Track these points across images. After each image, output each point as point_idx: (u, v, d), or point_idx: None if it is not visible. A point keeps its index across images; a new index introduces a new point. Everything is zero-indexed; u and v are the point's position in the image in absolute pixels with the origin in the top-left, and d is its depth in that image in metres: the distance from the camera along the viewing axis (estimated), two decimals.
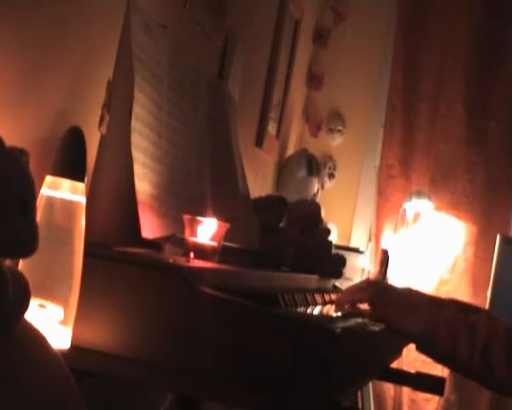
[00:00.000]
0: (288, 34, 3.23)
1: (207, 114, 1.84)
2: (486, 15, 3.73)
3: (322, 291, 1.80)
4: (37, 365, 0.95)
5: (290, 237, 1.94)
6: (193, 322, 1.22)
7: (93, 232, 1.26)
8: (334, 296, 1.80)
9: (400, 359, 2.72)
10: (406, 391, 3.60)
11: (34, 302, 1.10)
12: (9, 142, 0.93)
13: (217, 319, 1.21)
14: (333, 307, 1.65)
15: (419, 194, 3.60)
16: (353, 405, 3.15)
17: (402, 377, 2.25)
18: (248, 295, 1.26)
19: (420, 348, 1.45)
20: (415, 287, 1.63)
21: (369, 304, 1.49)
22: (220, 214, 1.57)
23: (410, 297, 1.51)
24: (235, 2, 2.38)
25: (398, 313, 1.44)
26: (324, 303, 1.69)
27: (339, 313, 1.53)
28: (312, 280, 1.96)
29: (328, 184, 3.90)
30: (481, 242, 3.66)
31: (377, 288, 1.52)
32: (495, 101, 3.72)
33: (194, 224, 1.45)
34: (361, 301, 1.50)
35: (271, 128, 3.21)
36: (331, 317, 1.55)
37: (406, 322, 1.42)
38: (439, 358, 1.44)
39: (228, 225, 1.50)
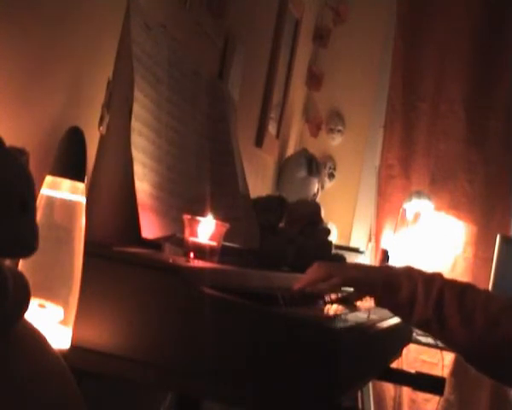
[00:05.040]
0: (288, 34, 3.23)
1: (207, 114, 1.84)
2: (486, 15, 3.73)
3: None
4: (37, 365, 0.95)
5: (290, 237, 1.94)
6: (193, 322, 1.22)
7: (93, 232, 1.26)
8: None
9: (400, 359, 2.72)
10: (406, 391, 3.60)
11: (34, 302, 1.10)
12: (9, 142, 0.93)
13: (217, 319, 1.21)
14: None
15: (419, 194, 3.60)
16: (353, 405, 3.15)
17: (402, 377, 2.25)
18: (248, 295, 1.26)
19: (380, 302, 1.47)
20: None
21: (327, 276, 1.51)
22: (220, 214, 1.57)
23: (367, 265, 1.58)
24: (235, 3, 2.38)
25: (358, 272, 1.50)
26: (324, 303, 1.69)
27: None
28: None
29: (328, 184, 3.90)
30: (481, 242, 3.65)
31: (328, 263, 1.59)
32: (495, 101, 3.72)
33: (194, 224, 1.45)
34: (319, 278, 1.51)
35: (271, 128, 3.21)
36: (331, 317, 1.55)
37: (368, 277, 1.47)
38: (397, 309, 1.47)
39: (228, 225, 1.50)
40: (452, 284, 1.45)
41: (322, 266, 1.52)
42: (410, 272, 1.46)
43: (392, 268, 1.51)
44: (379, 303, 1.49)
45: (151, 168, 1.49)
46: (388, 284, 1.45)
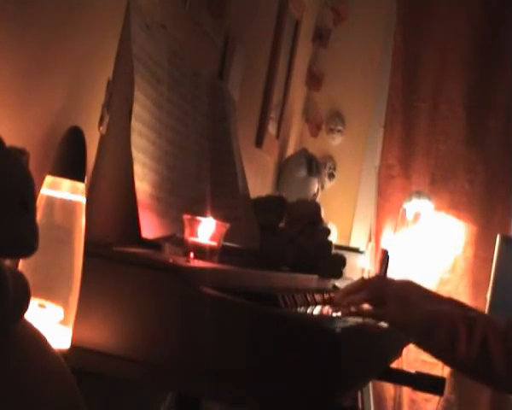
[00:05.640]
0: (288, 34, 3.23)
1: (207, 114, 1.84)
2: (486, 15, 3.73)
3: (322, 291, 1.80)
4: (37, 365, 0.95)
5: (290, 237, 1.94)
6: (193, 322, 1.22)
7: (93, 232, 1.27)
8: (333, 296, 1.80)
9: (400, 359, 2.73)
10: (406, 391, 3.60)
11: (34, 302, 1.10)
12: (9, 142, 0.93)
13: (217, 319, 1.21)
14: (330, 308, 1.64)
15: (419, 194, 3.60)
16: (353, 405, 3.15)
17: (402, 377, 2.25)
18: (248, 295, 1.26)
19: (420, 345, 1.45)
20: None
21: (368, 303, 1.49)
22: (220, 214, 1.57)
23: (409, 293, 1.51)
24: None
25: (397, 309, 1.44)
26: (324, 303, 1.69)
27: (339, 314, 1.53)
28: (312, 280, 1.96)
29: (328, 184, 3.90)
30: (481, 242, 3.65)
31: (374, 287, 1.52)
32: (495, 101, 3.72)
33: (194, 224, 1.45)
34: (359, 303, 1.50)
35: (271, 128, 3.21)
36: (331, 317, 1.55)
37: (407, 318, 1.42)
38: (438, 353, 1.44)
39: (228, 225, 1.50)
40: (495, 323, 1.39)
41: (368, 287, 1.49)
42: (451, 317, 1.40)
43: (432, 311, 1.43)
44: (419, 346, 1.45)
45: (151, 168, 1.49)
46: (426, 329, 1.40)
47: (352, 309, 1.51)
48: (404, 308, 1.44)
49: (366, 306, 1.51)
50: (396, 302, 1.46)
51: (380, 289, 1.49)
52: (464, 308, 1.49)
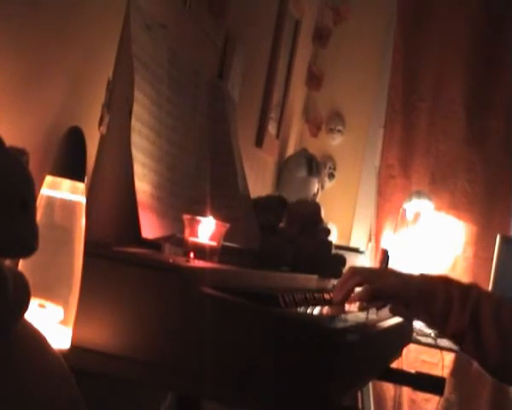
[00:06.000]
0: (288, 34, 3.23)
1: (207, 114, 1.84)
2: (486, 15, 3.73)
3: (322, 291, 1.80)
4: (37, 365, 0.95)
5: (290, 237, 1.94)
6: (193, 322, 1.22)
7: (93, 232, 1.26)
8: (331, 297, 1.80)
9: (400, 359, 2.72)
10: (406, 391, 3.60)
11: (34, 302, 1.10)
12: (9, 142, 0.93)
13: (217, 319, 1.21)
14: (332, 307, 1.64)
15: (419, 194, 3.60)
16: (353, 405, 3.15)
17: (402, 377, 2.25)
18: (248, 295, 1.26)
19: (414, 312, 1.45)
20: None
21: (365, 283, 1.49)
22: (220, 214, 1.57)
23: (402, 271, 1.53)
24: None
25: (394, 279, 1.46)
26: (324, 303, 1.69)
27: (344, 314, 1.54)
28: (312, 280, 1.96)
29: (328, 184, 3.90)
30: (481, 242, 3.66)
31: (365, 268, 1.56)
32: (495, 101, 3.72)
33: (194, 224, 1.45)
34: (357, 285, 1.50)
35: (271, 128, 3.21)
36: (331, 317, 1.55)
37: (403, 285, 1.44)
38: (432, 320, 1.45)
39: (228, 225, 1.50)
40: (488, 294, 1.42)
41: (359, 271, 1.50)
42: (446, 282, 1.44)
43: (428, 276, 1.47)
44: (413, 312, 1.46)
45: (151, 168, 1.49)
46: (424, 292, 1.42)
47: (351, 306, 1.52)
48: (400, 277, 1.47)
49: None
50: (392, 273, 1.50)
51: (372, 270, 1.55)
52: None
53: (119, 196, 1.47)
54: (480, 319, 1.38)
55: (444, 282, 1.44)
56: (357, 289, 1.50)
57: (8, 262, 0.94)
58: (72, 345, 1.18)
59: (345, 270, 1.50)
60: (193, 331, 1.21)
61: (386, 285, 1.46)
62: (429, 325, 1.49)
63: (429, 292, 1.42)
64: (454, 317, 1.39)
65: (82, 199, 1.20)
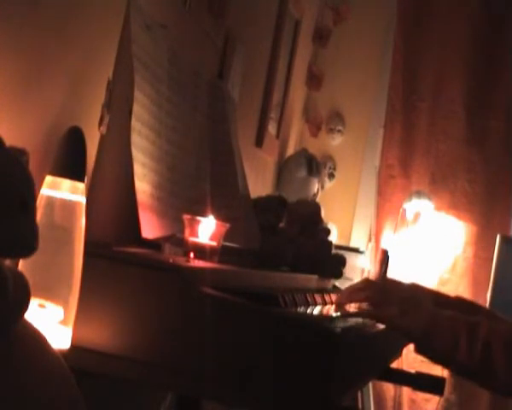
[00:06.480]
0: (288, 34, 3.23)
1: (207, 114, 1.84)
2: (486, 15, 3.73)
3: (322, 291, 1.80)
4: (37, 365, 0.95)
5: (290, 237, 1.94)
6: (193, 322, 1.22)
7: (93, 232, 1.26)
8: (334, 296, 1.80)
9: (400, 359, 2.72)
10: (406, 391, 3.59)
11: (34, 302, 1.10)
12: (9, 142, 0.93)
13: (217, 319, 1.21)
14: (333, 307, 1.64)
15: (419, 194, 3.60)
16: (353, 405, 3.15)
17: (402, 377, 2.25)
18: (248, 295, 1.26)
19: (419, 349, 1.43)
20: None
21: (370, 303, 1.48)
22: (220, 214, 1.57)
23: (415, 293, 1.48)
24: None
25: (398, 312, 1.41)
26: (324, 303, 1.69)
27: (338, 314, 1.53)
28: (312, 280, 1.96)
29: (328, 184, 3.90)
30: (481, 242, 3.65)
31: (377, 287, 1.50)
32: (495, 101, 3.72)
33: (194, 224, 1.45)
34: (361, 301, 1.49)
35: (271, 128, 3.21)
36: (331, 317, 1.55)
37: (406, 322, 1.40)
38: (438, 359, 1.43)
39: (228, 225, 1.50)
40: (497, 330, 1.36)
41: (370, 287, 1.47)
42: (453, 320, 1.38)
43: (433, 313, 1.40)
44: (416, 349, 1.42)
45: (151, 168, 1.49)
46: (428, 333, 1.37)
47: (352, 308, 1.51)
48: (404, 312, 1.41)
49: (365, 307, 1.50)
50: (397, 305, 1.42)
51: (383, 290, 1.47)
52: (469, 309, 1.47)
53: (119, 196, 1.47)
54: (491, 362, 1.34)
55: (450, 319, 1.39)
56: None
57: (8, 262, 0.94)
58: (72, 345, 1.18)
59: (347, 272, 1.47)
60: (193, 331, 1.21)
61: (386, 318, 1.42)
62: (432, 362, 1.46)
63: (434, 333, 1.37)
64: (461, 358, 1.35)
65: (82, 199, 1.20)
